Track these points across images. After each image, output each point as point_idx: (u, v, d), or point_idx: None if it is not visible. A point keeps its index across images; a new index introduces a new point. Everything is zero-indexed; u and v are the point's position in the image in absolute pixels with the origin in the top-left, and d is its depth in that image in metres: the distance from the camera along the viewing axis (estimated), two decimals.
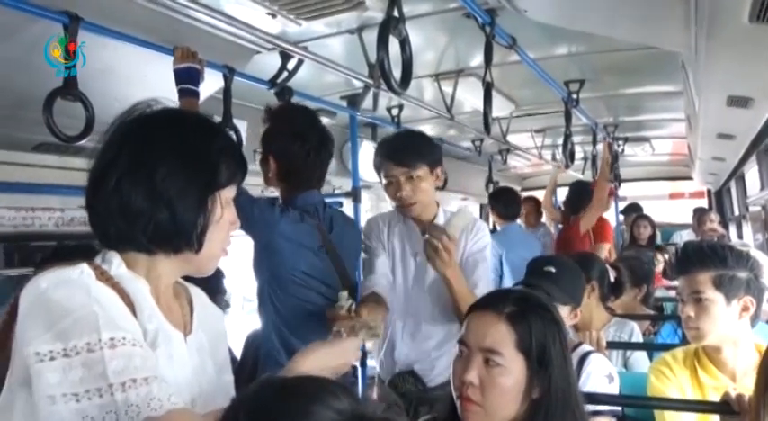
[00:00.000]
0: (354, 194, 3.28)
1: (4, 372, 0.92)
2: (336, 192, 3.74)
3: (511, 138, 4.87)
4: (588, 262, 2.45)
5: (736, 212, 5.61)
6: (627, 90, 4.05)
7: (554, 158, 6.10)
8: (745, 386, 1.54)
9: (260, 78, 2.53)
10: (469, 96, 3.45)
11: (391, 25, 1.92)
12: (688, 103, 3.41)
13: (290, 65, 2.52)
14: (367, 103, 3.47)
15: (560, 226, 5.17)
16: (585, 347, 1.88)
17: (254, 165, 1.84)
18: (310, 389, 0.68)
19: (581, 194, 4.65)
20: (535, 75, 3.12)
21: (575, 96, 3.72)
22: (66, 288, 0.89)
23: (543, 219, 5.62)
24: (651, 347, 2.49)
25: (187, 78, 1.93)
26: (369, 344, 1.59)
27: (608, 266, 2.62)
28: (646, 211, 6.03)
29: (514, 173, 7.25)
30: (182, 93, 1.92)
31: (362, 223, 2.52)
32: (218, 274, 2.72)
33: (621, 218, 6.68)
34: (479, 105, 2.83)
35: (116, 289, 0.94)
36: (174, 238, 1.00)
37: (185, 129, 1.05)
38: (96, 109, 1.84)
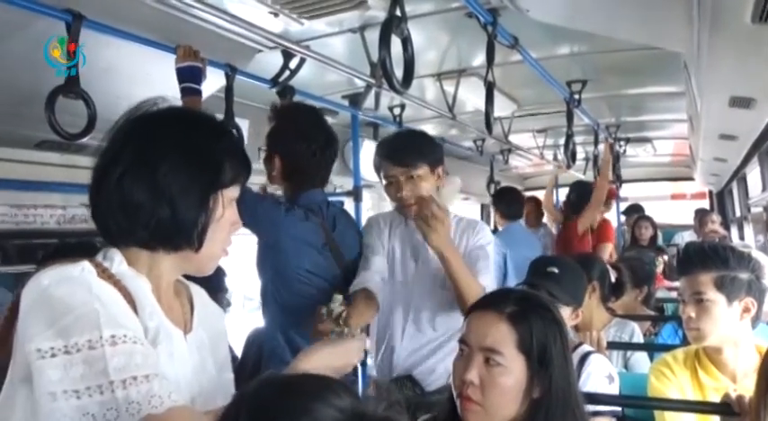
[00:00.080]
0: (356, 194, 3.28)
1: (6, 369, 0.92)
2: (338, 191, 3.74)
3: (512, 138, 4.87)
4: (589, 262, 2.45)
5: (738, 214, 5.60)
6: (629, 90, 4.05)
7: (555, 158, 6.10)
8: (746, 387, 1.54)
9: (262, 77, 2.54)
10: (471, 96, 3.45)
11: (393, 24, 1.92)
12: (690, 104, 3.41)
13: (292, 64, 2.52)
14: (369, 102, 3.46)
15: (561, 226, 5.18)
16: (586, 347, 1.88)
17: (256, 164, 1.84)
18: (311, 387, 0.68)
19: (582, 194, 4.65)
20: (537, 75, 3.12)
21: (577, 96, 3.72)
22: (67, 285, 0.89)
23: (545, 220, 5.63)
24: (652, 348, 2.48)
25: (189, 77, 1.95)
26: (368, 344, 1.57)
27: (609, 267, 2.62)
28: (647, 212, 6.03)
29: (516, 173, 7.25)
30: (184, 91, 1.94)
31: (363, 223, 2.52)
32: (220, 273, 2.72)
33: (623, 218, 6.68)
34: (481, 105, 2.83)
35: (117, 286, 0.94)
36: (174, 236, 1.00)
37: (191, 127, 1.05)
38: (98, 107, 1.85)
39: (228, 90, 2.35)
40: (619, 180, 6.20)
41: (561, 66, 3.27)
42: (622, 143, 5.83)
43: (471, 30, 2.47)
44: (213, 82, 2.24)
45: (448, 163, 2.24)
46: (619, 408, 1.74)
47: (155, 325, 0.98)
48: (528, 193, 5.83)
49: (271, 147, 2.08)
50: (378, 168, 2.08)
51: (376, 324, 2.14)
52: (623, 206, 6.73)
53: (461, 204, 6.46)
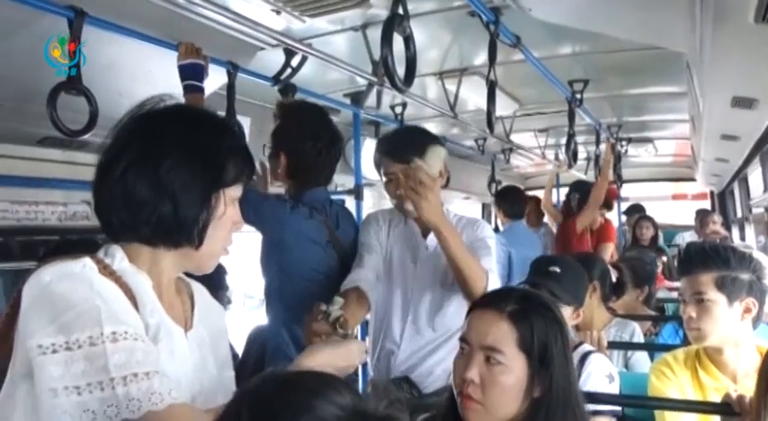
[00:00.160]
0: (357, 192, 3.28)
1: (7, 365, 0.93)
2: (339, 189, 3.75)
3: (514, 138, 4.87)
4: (590, 262, 2.45)
5: (739, 214, 5.60)
6: (631, 90, 4.04)
7: (557, 158, 6.09)
8: (746, 387, 1.54)
9: (264, 75, 2.53)
10: (473, 95, 3.45)
11: (395, 22, 1.92)
12: (692, 104, 3.41)
13: (294, 61, 2.52)
14: (370, 100, 3.46)
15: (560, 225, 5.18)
16: (586, 347, 1.88)
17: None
18: (312, 384, 0.68)
19: (585, 194, 4.65)
20: (539, 74, 3.11)
21: (578, 96, 3.72)
22: (69, 281, 0.89)
23: (545, 219, 5.63)
24: (652, 348, 2.48)
25: (192, 74, 1.95)
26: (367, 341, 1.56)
27: (610, 267, 2.62)
28: (648, 212, 6.03)
29: (517, 172, 7.24)
30: (186, 89, 1.94)
31: None
32: (221, 270, 2.72)
33: (624, 218, 6.67)
34: (483, 104, 2.82)
35: (118, 283, 0.94)
36: (174, 232, 1.00)
37: (195, 124, 1.05)
38: (100, 103, 1.85)
39: (230, 88, 2.35)
40: (619, 180, 6.19)
41: (563, 65, 3.27)
42: (624, 143, 5.82)
43: (473, 28, 2.47)
44: (215, 79, 2.24)
45: (449, 162, 2.23)
46: (619, 408, 1.74)
47: (155, 322, 0.98)
48: (529, 193, 5.83)
49: (276, 145, 2.09)
50: (378, 165, 2.04)
51: (372, 324, 2.13)
52: (624, 206, 6.74)
53: (462, 204, 6.46)
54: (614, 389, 1.77)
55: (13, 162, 2.32)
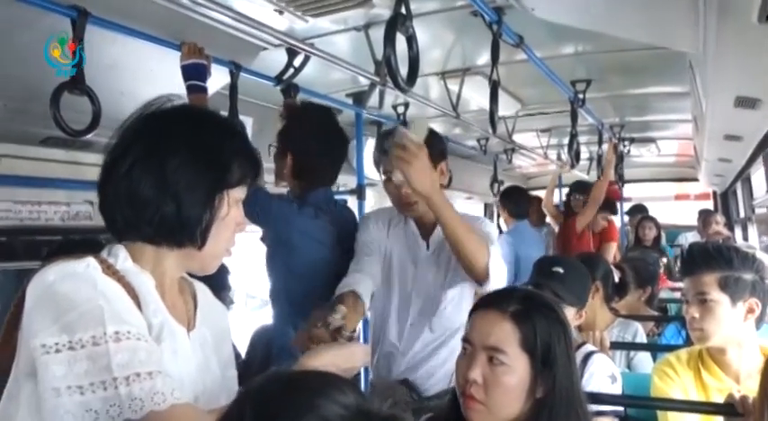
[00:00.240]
0: (359, 192, 3.29)
1: (11, 364, 0.93)
2: (341, 189, 3.75)
3: (516, 138, 4.86)
4: (593, 262, 2.45)
5: (742, 214, 5.59)
6: (633, 90, 4.04)
7: (559, 158, 6.08)
8: (750, 388, 1.54)
9: (266, 75, 2.53)
10: (475, 95, 3.44)
11: (398, 22, 1.91)
12: (695, 104, 3.40)
13: (297, 61, 2.52)
14: (373, 100, 3.47)
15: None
16: (589, 347, 1.88)
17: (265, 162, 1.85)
18: (316, 384, 0.68)
19: (586, 196, 4.67)
20: (542, 74, 3.11)
21: (581, 96, 3.71)
22: (72, 281, 0.89)
23: (548, 219, 5.63)
24: (655, 348, 2.48)
25: (195, 74, 1.96)
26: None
27: (612, 267, 2.62)
28: (651, 213, 6.02)
29: (519, 172, 7.24)
30: (190, 89, 1.95)
31: None
32: (223, 270, 2.73)
33: (626, 218, 6.67)
34: (485, 104, 2.82)
35: (122, 282, 0.94)
36: (177, 232, 1.00)
37: (202, 125, 1.06)
38: (103, 103, 1.86)
39: (233, 87, 2.36)
40: (621, 180, 6.19)
41: (566, 65, 3.26)
42: (626, 143, 5.81)
43: (476, 28, 2.47)
44: (217, 79, 2.24)
45: (451, 162, 2.22)
46: (621, 408, 1.74)
47: (158, 321, 0.98)
48: (531, 193, 5.83)
49: (283, 146, 2.10)
50: (377, 163, 2.00)
51: (372, 326, 2.11)
52: (627, 206, 6.73)
53: (465, 204, 6.45)
54: (617, 389, 1.77)
55: (16, 162, 2.33)
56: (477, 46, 2.90)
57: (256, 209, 1.95)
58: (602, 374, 1.76)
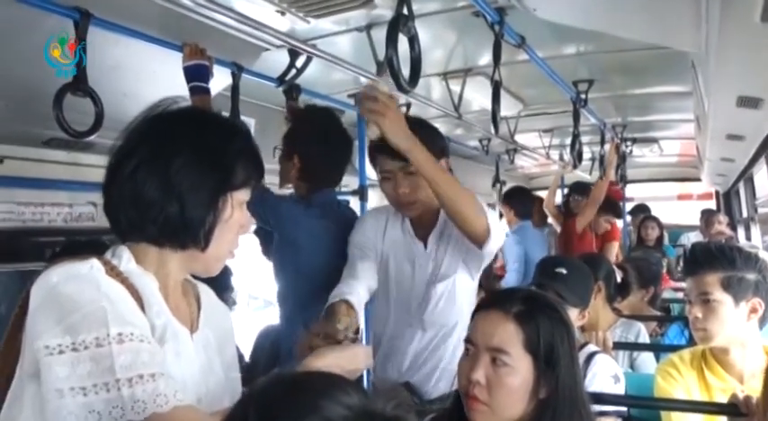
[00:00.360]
0: (361, 193, 3.27)
1: (15, 366, 0.93)
2: (343, 190, 3.74)
3: (518, 138, 4.86)
4: (595, 262, 2.45)
5: (745, 214, 5.58)
6: (636, 90, 4.03)
7: (561, 158, 6.08)
8: (753, 388, 1.54)
9: (268, 76, 2.54)
10: (477, 95, 3.44)
11: (400, 23, 1.91)
12: (697, 104, 3.39)
13: (299, 62, 2.52)
14: None
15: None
16: (591, 347, 1.88)
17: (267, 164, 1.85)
18: (320, 385, 0.68)
19: (581, 195, 4.68)
20: (544, 74, 3.10)
21: (583, 96, 3.71)
22: (76, 282, 0.89)
23: (549, 220, 5.63)
24: (658, 348, 2.48)
25: (197, 75, 1.96)
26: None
27: (615, 267, 2.62)
28: (653, 213, 6.01)
29: (522, 173, 7.23)
30: (193, 90, 1.96)
31: None
32: (226, 272, 2.73)
33: (629, 218, 6.66)
34: (487, 104, 2.81)
35: (125, 284, 0.94)
36: (181, 233, 1.01)
37: (207, 127, 1.06)
38: (105, 105, 1.86)
39: (235, 89, 2.36)
40: (623, 180, 6.18)
41: (568, 65, 3.26)
42: (629, 143, 5.81)
43: (478, 29, 2.46)
44: (219, 80, 2.24)
45: (453, 162, 2.21)
46: (624, 409, 1.74)
47: (162, 323, 0.98)
48: (533, 193, 5.83)
49: (289, 148, 2.12)
50: (374, 162, 1.94)
51: (372, 327, 2.11)
52: (629, 206, 6.72)
53: None
54: (620, 389, 1.77)
55: (19, 163, 2.33)
56: (478, 46, 2.90)
57: (267, 210, 1.96)
58: (605, 374, 1.76)
